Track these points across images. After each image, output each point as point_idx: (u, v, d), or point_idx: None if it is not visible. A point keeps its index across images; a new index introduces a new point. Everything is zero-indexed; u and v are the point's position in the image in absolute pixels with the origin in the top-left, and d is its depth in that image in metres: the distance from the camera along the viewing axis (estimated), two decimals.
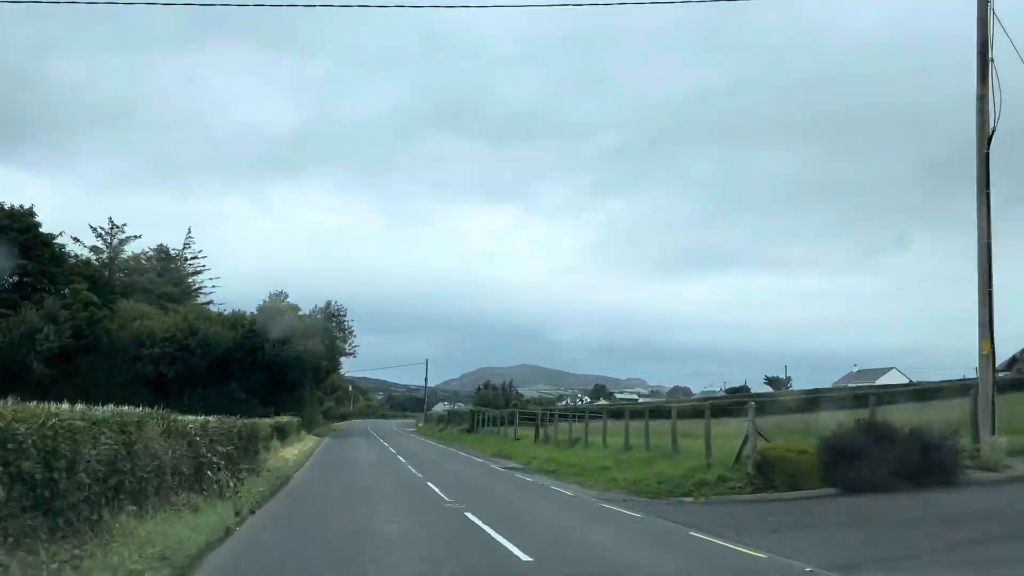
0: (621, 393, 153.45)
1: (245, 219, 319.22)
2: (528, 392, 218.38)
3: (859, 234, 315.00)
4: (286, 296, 65.29)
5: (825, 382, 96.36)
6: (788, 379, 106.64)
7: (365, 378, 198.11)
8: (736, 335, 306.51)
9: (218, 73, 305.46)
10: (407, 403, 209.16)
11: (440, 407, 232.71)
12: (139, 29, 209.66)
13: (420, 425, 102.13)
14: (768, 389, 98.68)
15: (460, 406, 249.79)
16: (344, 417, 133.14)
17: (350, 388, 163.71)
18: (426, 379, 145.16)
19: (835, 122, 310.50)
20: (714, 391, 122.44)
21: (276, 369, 57.34)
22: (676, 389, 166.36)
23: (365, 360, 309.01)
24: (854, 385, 74.36)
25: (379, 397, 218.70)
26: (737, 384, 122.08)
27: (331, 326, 67.68)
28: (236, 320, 59.99)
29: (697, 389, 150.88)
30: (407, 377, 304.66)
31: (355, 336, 72.80)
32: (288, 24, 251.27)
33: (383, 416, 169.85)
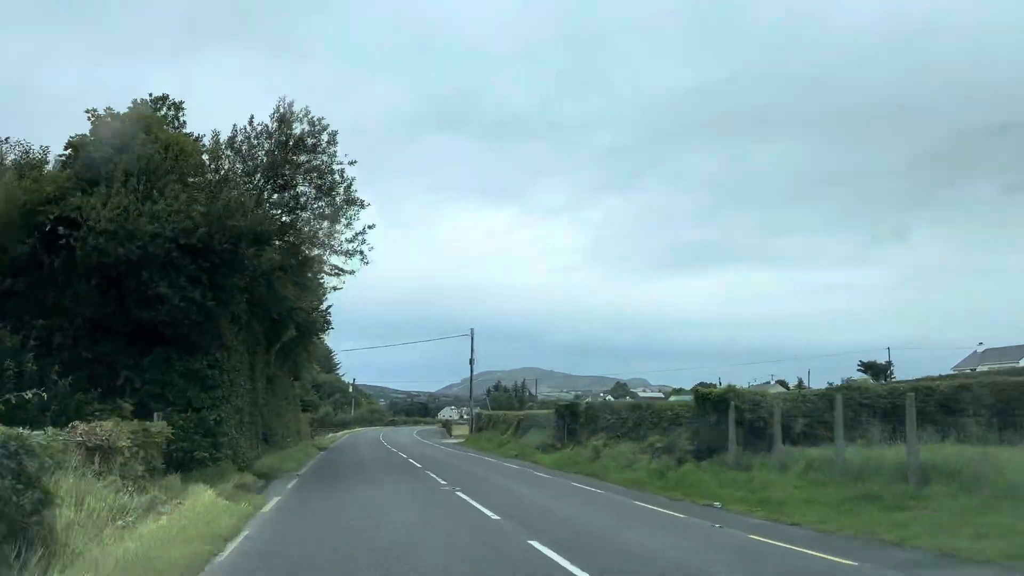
0: (645, 392, 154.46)
1: None
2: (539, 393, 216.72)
3: (859, 226, 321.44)
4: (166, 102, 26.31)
5: (833, 378, 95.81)
6: (889, 365, 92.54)
7: (366, 385, 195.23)
8: (736, 331, 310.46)
9: (212, 81, 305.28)
10: (411, 409, 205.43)
11: (447, 412, 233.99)
12: (132, 33, 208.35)
13: (467, 436, 73.83)
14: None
15: (479, 410, 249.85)
16: (344, 425, 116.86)
17: (350, 386, 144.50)
18: (471, 364, 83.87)
19: (834, 115, 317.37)
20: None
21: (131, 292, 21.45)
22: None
23: (362, 367, 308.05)
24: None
25: (381, 403, 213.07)
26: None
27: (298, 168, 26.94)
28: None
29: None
30: (405, 383, 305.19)
31: (361, 209, 28.86)
32: (284, 27, 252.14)
33: (392, 423, 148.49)
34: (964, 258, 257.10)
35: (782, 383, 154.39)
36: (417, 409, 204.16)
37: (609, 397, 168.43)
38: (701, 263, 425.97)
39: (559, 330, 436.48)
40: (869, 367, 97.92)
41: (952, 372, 61.71)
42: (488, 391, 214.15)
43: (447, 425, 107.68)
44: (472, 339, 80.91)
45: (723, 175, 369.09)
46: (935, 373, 44.46)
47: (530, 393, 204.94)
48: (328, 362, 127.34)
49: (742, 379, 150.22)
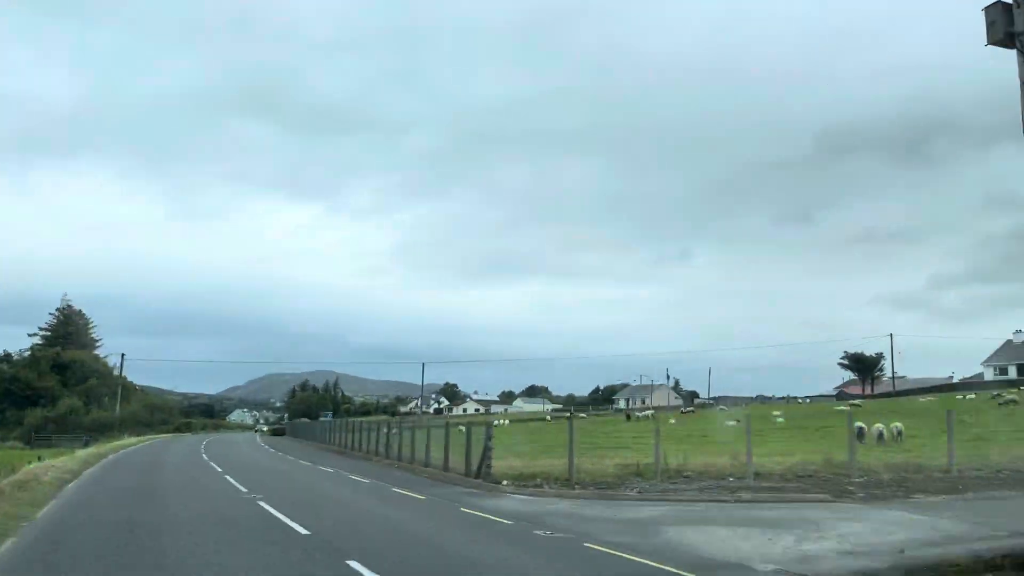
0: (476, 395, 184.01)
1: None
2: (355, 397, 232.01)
3: (648, 247, 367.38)
4: None
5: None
6: (879, 359, 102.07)
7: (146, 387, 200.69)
8: (538, 340, 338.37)
9: None
10: (192, 411, 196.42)
11: (240, 415, 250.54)
12: None
13: None
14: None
15: (268, 415, 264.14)
16: (104, 427, 75.29)
17: (115, 368, 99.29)
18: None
19: (638, 137, 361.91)
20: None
21: None
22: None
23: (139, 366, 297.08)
24: None
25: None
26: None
27: None
28: None
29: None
30: (184, 384, 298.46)
31: None
32: None
33: (184, 427, 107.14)
34: (738, 282, 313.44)
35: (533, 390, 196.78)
36: (200, 411, 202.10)
37: (443, 399, 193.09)
38: (506, 273, 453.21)
39: (360, 333, 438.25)
40: (857, 361, 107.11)
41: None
42: (293, 391, 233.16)
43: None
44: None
45: (532, 189, 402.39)
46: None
47: (343, 393, 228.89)
48: (82, 334, 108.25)
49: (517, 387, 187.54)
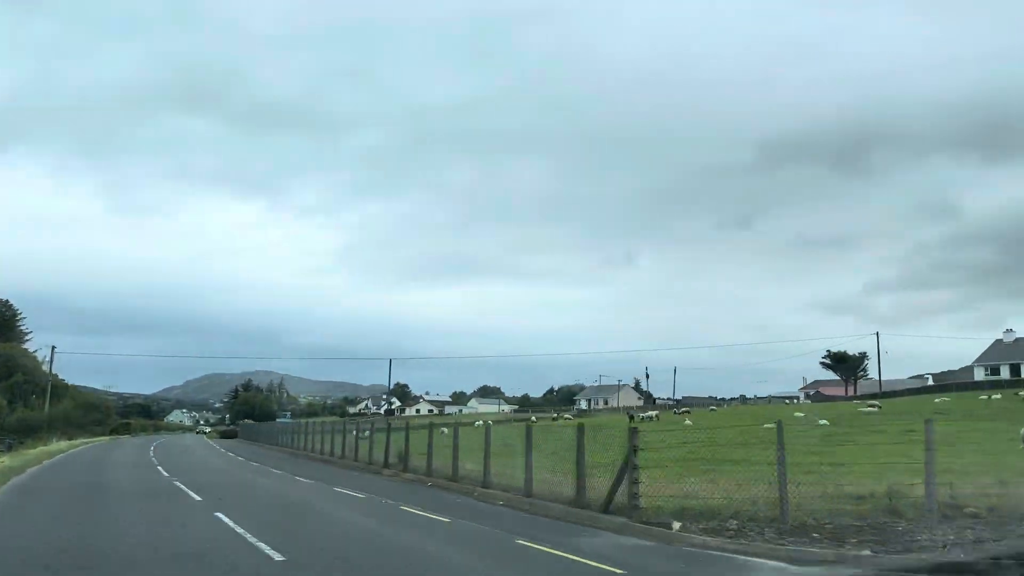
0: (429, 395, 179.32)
1: None
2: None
3: (594, 249, 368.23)
4: None
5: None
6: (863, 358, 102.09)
7: (79, 387, 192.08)
8: (484, 342, 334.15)
9: None
10: (128, 412, 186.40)
11: (179, 416, 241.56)
12: None
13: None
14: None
15: (208, 416, 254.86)
16: (31, 429, 63.00)
17: (44, 363, 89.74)
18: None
19: (586, 140, 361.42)
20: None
21: None
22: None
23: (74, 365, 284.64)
24: None
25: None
26: None
27: None
28: None
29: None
30: (119, 384, 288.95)
31: None
32: None
33: (122, 428, 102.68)
34: (680, 285, 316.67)
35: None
36: (137, 412, 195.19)
37: (395, 400, 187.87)
38: (454, 275, 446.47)
39: (303, 333, 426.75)
40: (840, 360, 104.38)
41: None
42: (235, 391, 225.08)
43: None
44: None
45: (480, 189, 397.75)
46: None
47: (288, 394, 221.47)
48: (8, 326, 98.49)
49: (467, 389, 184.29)
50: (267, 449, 50.97)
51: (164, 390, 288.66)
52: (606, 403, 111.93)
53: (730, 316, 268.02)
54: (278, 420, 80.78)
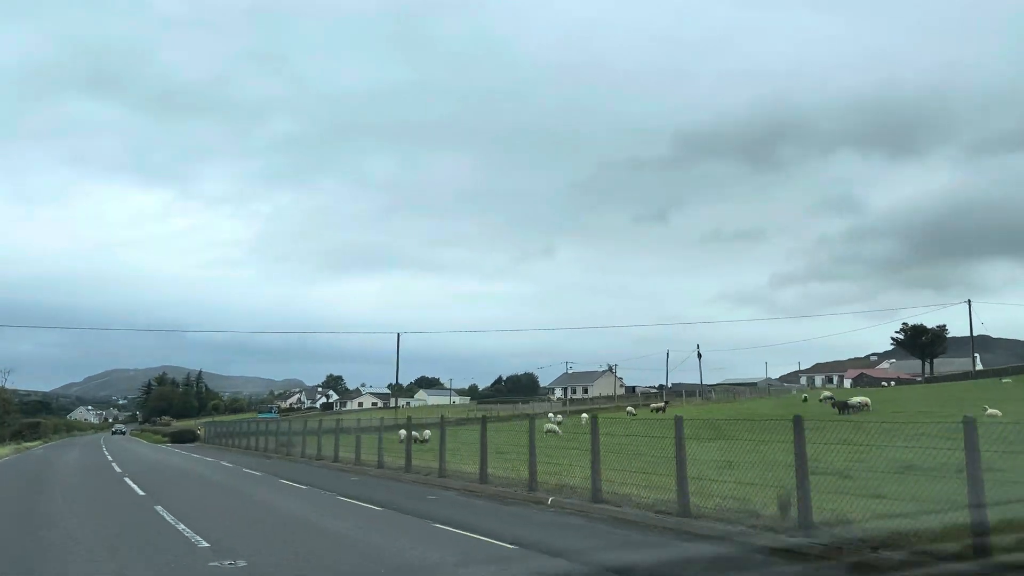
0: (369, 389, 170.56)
1: None
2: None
3: (513, 242, 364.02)
4: None
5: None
6: None
7: None
8: (389, 336, 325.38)
9: None
10: (27, 408, 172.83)
11: (83, 413, 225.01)
12: None
13: None
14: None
15: (116, 413, 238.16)
16: None
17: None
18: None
19: (505, 134, 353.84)
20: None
21: None
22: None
23: None
24: None
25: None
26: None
27: None
28: None
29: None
30: (12, 380, 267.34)
31: None
32: None
33: (33, 431, 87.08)
34: (598, 278, 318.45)
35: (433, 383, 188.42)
36: (37, 410, 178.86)
37: (331, 394, 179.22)
38: (369, 266, 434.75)
39: (208, 326, 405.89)
40: (919, 335, 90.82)
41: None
42: (148, 385, 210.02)
43: None
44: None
45: (399, 180, 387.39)
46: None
47: (206, 388, 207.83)
48: None
49: (387, 382, 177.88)
50: (276, 464, 32.90)
51: (63, 387, 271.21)
52: (586, 391, 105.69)
53: (645, 306, 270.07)
54: (260, 416, 69.88)
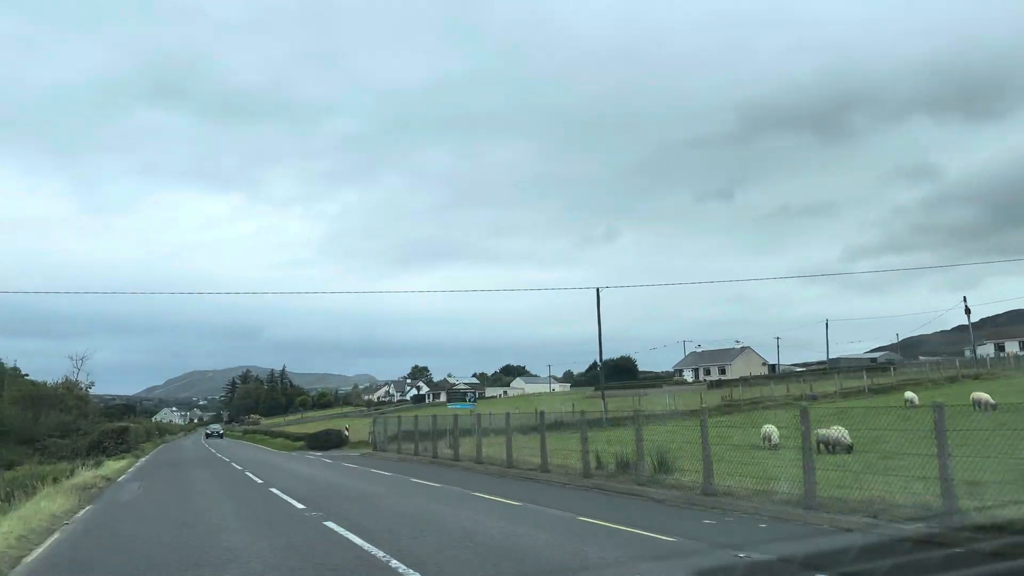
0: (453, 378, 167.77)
1: None
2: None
3: (573, 228, 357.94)
4: None
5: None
6: None
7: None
8: (459, 327, 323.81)
9: None
10: (112, 412, 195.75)
11: (168, 415, 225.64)
12: None
13: None
14: None
15: (201, 414, 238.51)
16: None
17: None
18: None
19: (562, 119, 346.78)
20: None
21: None
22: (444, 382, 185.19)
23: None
24: None
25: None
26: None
27: None
28: None
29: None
30: (99, 385, 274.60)
31: None
32: None
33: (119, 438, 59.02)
34: (661, 260, 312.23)
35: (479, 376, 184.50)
36: (123, 413, 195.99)
37: (421, 387, 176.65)
38: (431, 260, 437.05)
39: (280, 327, 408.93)
40: None
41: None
42: (232, 383, 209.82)
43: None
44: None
45: (457, 172, 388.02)
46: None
47: (290, 383, 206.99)
48: None
49: (466, 373, 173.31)
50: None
51: (146, 390, 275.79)
52: (723, 372, 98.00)
53: (711, 288, 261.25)
54: (453, 406, 53.82)
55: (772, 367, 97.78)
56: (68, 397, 51.92)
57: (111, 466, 34.62)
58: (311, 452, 49.75)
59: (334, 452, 47.91)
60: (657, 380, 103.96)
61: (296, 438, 62.51)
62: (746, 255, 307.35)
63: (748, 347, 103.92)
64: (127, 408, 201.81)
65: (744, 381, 79.67)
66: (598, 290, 50.32)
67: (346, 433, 54.23)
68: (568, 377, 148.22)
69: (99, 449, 44.71)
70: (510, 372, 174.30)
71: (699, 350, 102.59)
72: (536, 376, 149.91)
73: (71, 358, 59.35)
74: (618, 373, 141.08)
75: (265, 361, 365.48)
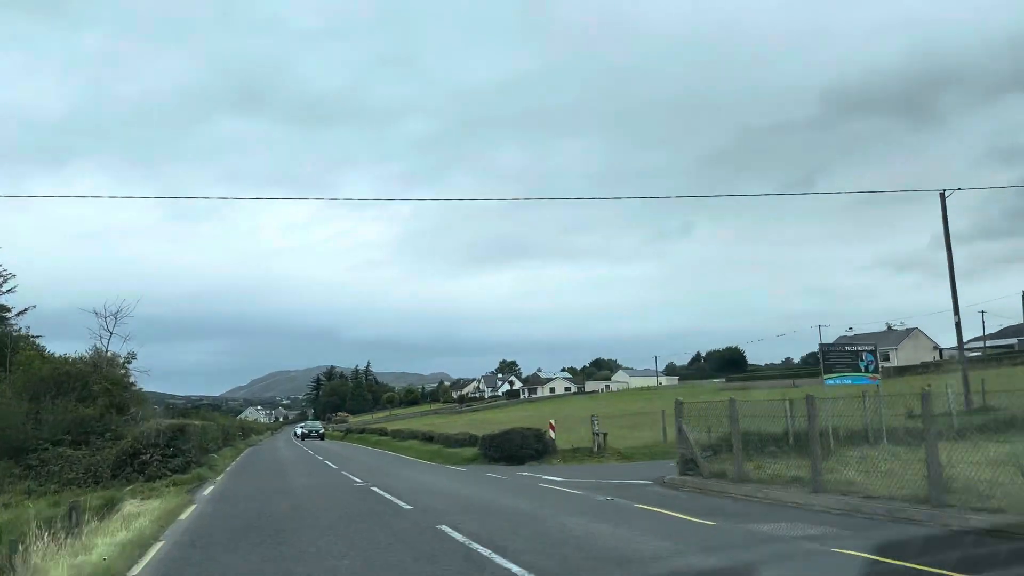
0: (543, 372, 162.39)
1: None
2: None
3: (648, 222, 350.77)
4: None
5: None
6: None
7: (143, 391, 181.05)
8: (532, 324, 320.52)
9: None
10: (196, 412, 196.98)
11: (253, 414, 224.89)
12: None
13: None
14: None
15: (286, 413, 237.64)
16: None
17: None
18: None
19: (635, 112, 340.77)
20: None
21: None
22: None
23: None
24: None
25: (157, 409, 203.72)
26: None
27: None
28: None
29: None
30: (183, 387, 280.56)
31: None
32: None
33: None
34: (742, 251, 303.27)
35: (571, 370, 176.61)
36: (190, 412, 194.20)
37: (512, 381, 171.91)
38: (503, 258, 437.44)
39: (357, 327, 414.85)
40: None
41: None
42: (317, 380, 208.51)
43: None
44: None
45: (529, 170, 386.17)
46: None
47: (376, 379, 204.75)
48: None
49: (553, 367, 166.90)
50: None
51: (231, 390, 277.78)
52: (887, 358, 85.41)
53: (792, 280, 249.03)
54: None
55: (941, 351, 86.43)
56: (94, 378, 32.00)
57: (134, 519, 14.02)
58: (492, 466, 29.02)
59: (534, 466, 27.85)
60: (789, 371, 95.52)
61: (445, 440, 40.42)
62: (829, 244, 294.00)
63: (916, 328, 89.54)
64: (214, 407, 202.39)
65: (924, 367, 71.40)
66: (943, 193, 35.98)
67: (551, 435, 31.09)
68: (671, 369, 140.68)
69: (134, 466, 26.72)
70: (601, 366, 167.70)
71: (850, 333, 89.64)
72: (632, 369, 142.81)
73: (96, 313, 35.31)
74: (724, 365, 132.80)
75: (344, 360, 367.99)
